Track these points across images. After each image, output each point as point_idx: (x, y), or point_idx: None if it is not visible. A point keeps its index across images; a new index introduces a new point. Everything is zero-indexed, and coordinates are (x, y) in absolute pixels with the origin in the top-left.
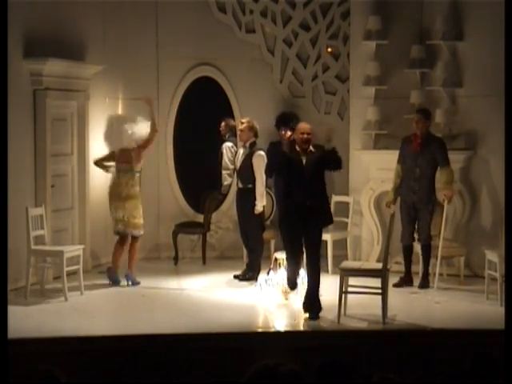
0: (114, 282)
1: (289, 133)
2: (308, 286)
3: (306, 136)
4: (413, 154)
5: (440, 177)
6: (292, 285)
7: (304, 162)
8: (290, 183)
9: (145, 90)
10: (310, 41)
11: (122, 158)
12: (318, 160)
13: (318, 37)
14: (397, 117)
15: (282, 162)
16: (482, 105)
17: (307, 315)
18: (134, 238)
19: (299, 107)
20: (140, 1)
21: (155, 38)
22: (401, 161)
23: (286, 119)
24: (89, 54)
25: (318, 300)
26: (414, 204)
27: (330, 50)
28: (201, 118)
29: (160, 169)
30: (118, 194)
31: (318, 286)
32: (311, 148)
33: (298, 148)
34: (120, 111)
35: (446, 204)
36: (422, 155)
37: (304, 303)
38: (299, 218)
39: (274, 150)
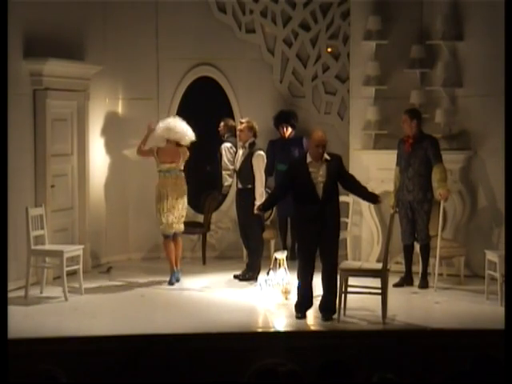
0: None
1: (290, 129)
2: (326, 289)
3: (321, 151)
4: (406, 154)
5: (434, 175)
6: (304, 307)
7: (320, 172)
8: (301, 196)
9: (145, 89)
10: (310, 41)
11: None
12: (335, 173)
13: (318, 37)
14: (397, 117)
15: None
16: (482, 105)
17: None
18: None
19: (299, 107)
20: (140, 1)
21: (155, 38)
22: (398, 162)
23: (286, 116)
24: (89, 54)
25: (335, 303)
26: (410, 203)
27: (329, 49)
28: (201, 118)
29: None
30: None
31: (336, 289)
32: (326, 156)
33: (310, 159)
34: (120, 111)
35: (442, 203)
36: (414, 154)
37: (320, 305)
38: (313, 229)
39: (289, 172)
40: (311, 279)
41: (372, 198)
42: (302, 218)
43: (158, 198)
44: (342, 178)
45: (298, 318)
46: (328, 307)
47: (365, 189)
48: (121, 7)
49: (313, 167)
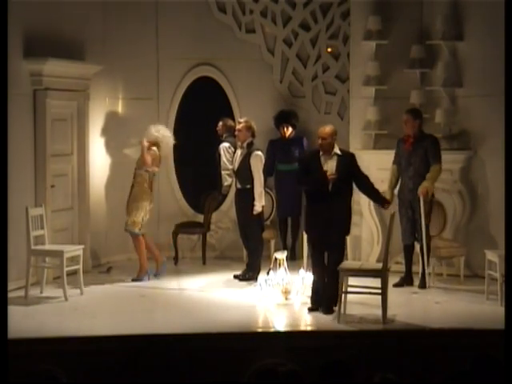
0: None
1: (290, 129)
2: (327, 286)
3: (320, 141)
4: (406, 154)
5: (428, 172)
6: (316, 301)
7: (328, 165)
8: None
9: (145, 89)
10: (310, 41)
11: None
12: (345, 170)
13: (318, 37)
14: (397, 117)
15: (311, 180)
16: (482, 105)
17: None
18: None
19: (299, 107)
20: (140, 1)
21: (155, 37)
22: (396, 161)
23: (287, 116)
24: (89, 54)
25: (336, 300)
26: (410, 203)
27: (329, 50)
28: (201, 118)
29: (160, 169)
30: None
31: (337, 287)
32: (337, 151)
33: (321, 153)
34: (120, 111)
35: (422, 200)
36: (415, 153)
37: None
38: (321, 220)
39: (301, 164)
40: (322, 272)
41: (381, 202)
42: (312, 208)
43: (145, 197)
44: (354, 176)
45: (309, 309)
46: (327, 299)
47: (376, 191)
48: (121, 7)
49: (324, 160)
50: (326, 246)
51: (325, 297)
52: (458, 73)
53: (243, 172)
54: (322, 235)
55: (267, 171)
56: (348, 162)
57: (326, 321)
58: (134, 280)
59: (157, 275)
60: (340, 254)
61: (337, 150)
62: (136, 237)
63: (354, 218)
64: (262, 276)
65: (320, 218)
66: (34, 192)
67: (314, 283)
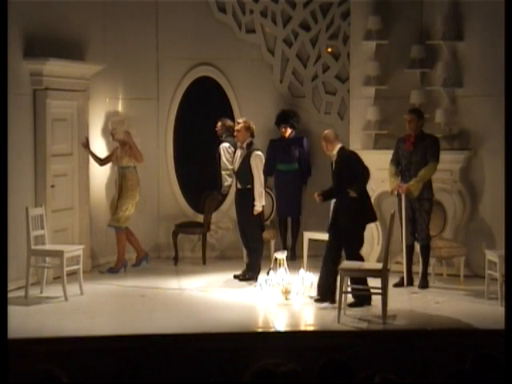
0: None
1: (289, 130)
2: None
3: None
4: (407, 153)
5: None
6: (321, 294)
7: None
8: None
9: (145, 89)
10: (310, 41)
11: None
12: (337, 169)
13: (318, 37)
14: (397, 117)
15: None
16: (482, 105)
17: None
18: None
19: (299, 107)
20: (140, 1)
21: (155, 37)
22: (394, 161)
23: (286, 117)
24: (89, 54)
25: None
26: (410, 203)
27: (329, 50)
28: (201, 118)
29: (160, 169)
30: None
31: (336, 279)
32: (332, 152)
33: None
34: (120, 111)
35: (403, 197)
36: (416, 153)
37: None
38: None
39: None
40: (330, 266)
41: (328, 194)
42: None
43: (134, 191)
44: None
45: (315, 300)
46: (322, 289)
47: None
48: (121, 7)
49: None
50: (340, 243)
51: (324, 286)
52: (458, 73)
53: (243, 172)
54: (334, 234)
55: (267, 171)
56: (339, 161)
57: (326, 321)
58: (109, 270)
59: (136, 265)
60: (353, 248)
61: (333, 151)
62: (121, 231)
63: None
64: (261, 276)
65: (332, 216)
66: (33, 192)
67: (320, 274)
